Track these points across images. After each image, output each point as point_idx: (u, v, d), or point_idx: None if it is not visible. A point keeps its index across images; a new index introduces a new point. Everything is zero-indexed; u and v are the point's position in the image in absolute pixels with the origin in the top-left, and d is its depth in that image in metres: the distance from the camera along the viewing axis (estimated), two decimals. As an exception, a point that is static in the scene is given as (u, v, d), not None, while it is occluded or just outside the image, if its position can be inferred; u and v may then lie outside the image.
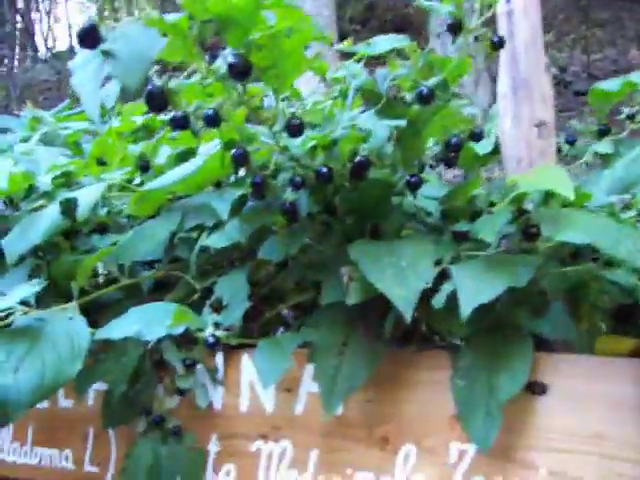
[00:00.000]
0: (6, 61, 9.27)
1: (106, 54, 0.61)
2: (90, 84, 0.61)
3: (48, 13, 12.13)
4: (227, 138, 0.81)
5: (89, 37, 0.62)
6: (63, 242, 1.15)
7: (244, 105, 0.75)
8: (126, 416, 1.07)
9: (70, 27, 11.94)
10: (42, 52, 11.10)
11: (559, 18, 7.70)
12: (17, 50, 10.24)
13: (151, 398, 1.07)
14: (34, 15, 11.76)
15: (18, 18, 10.51)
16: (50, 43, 11.72)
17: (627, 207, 0.92)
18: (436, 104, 0.84)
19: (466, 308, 0.72)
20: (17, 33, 10.39)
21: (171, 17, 0.65)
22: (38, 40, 11.43)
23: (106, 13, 11.30)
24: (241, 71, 0.70)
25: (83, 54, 0.64)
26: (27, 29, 10.83)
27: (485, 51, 0.81)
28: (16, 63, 9.89)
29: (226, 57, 0.70)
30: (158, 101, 0.69)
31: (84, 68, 0.63)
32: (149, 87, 0.69)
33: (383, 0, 8.75)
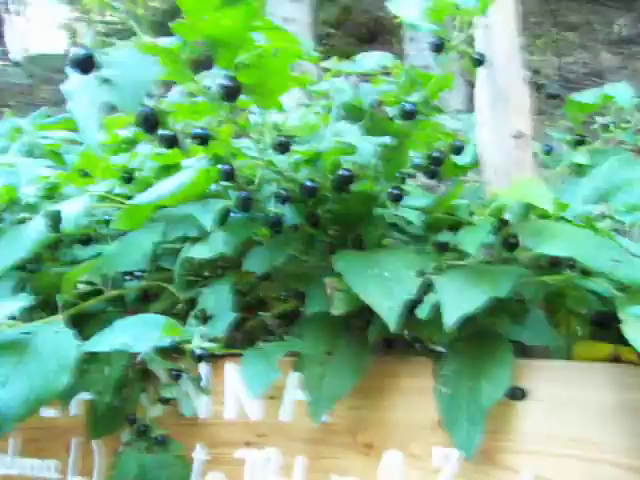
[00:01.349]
0: (-23, 64, 9.15)
1: (103, 80, 0.62)
2: (88, 110, 0.62)
3: (19, 14, 11.99)
4: (213, 154, 0.82)
5: (84, 63, 0.63)
6: (46, 253, 1.15)
7: (232, 122, 0.76)
8: (111, 426, 1.07)
9: (43, 30, 11.82)
10: (15, 54, 10.95)
11: (530, 21, 7.78)
12: (-12, 52, 10.12)
13: (135, 407, 1.07)
14: (5, 16, 11.62)
15: (-11, 20, 10.38)
16: (23, 45, 11.58)
17: (603, 216, 0.94)
18: (418, 119, 0.85)
19: (449, 319, 0.74)
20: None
21: (164, 41, 0.66)
22: (10, 42, 11.29)
23: (77, 14, 11.20)
24: (232, 92, 0.71)
25: (78, 79, 0.65)
26: (-2, 31, 10.70)
27: (466, 67, 0.82)
28: (-12, 66, 9.76)
29: (216, 78, 0.71)
30: (150, 122, 0.70)
31: (81, 94, 0.64)
32: (141, 109, 0.70)
33: (357, 3, 8.77)
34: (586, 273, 0.84)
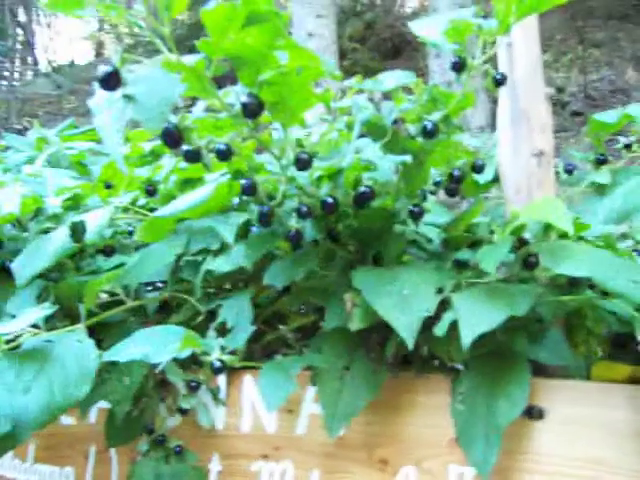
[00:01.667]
0: (7, 74, 9.29)
1: (128, 98, 0.64)
2: (113, 127, 0.63)
3: (49, 26, 12.17)
4: (235, 169, 0.83)
5: (110, 80, 0.64)
6: (69, 262, 1.17)
7: (254, 138, 0.77)
8: (128, 435, 1.08)
9: (71, 41, 12.00)
10: (43, 65, 11.11)
11: (556, 38, 7.75)
12: (18, 63, 10.26)
13: (153, 417, 1.08)
14: (35, 28, 11.79)
15: (19, 31, 10.54)
16: (51, 56, 11.75)
17: (624, 237, 0.94)
18: (439, 137, 0.86)
19: (467, 337, 0.74)
20: (19, 46, 10.41)
21: (188, 59, 0.67)
22: (39, 53, 11.46)
23: (107, 26, 11.38)
24: (254, 110, 0.73)
25: (104, 95, 0.67)
26: (28, 42, 10.86)
27: (487, 86, 0.83)
28: (17, 76, 9.90)
29: (238, 95, 0.72)
30: (174, 138, 0.72)
31: (106, 110, 0.65)
32: (165, 125, 0.71)
33: (382, 19, 8.81)
34: (605, 294, 0.84)
